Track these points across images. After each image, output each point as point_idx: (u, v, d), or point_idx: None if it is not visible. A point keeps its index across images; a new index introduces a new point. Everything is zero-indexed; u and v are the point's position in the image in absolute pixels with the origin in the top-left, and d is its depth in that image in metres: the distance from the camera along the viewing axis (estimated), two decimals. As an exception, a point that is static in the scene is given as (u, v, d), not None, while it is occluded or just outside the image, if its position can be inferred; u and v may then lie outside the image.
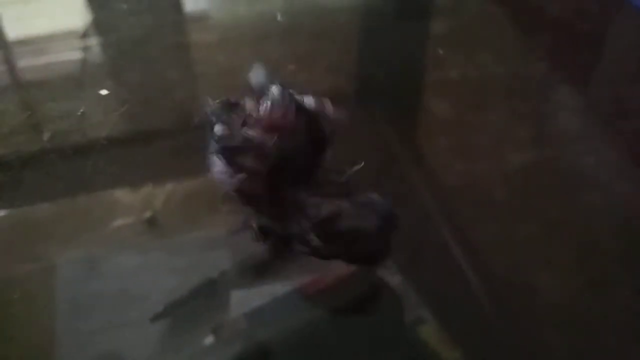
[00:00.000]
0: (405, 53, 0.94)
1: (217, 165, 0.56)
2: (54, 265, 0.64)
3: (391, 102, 0.85)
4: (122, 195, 0.71)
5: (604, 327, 0.59)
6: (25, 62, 0.93)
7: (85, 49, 0.93)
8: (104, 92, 0.82)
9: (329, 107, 0.59)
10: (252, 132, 0.55)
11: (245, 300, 0.59)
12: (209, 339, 0.58)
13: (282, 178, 0.55)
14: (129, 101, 0.82)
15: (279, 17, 0.95)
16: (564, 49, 0.94)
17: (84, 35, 0.95)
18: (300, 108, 0.57)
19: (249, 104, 0.58)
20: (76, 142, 0.76)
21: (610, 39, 1.00)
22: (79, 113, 0.78)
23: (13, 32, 0.96)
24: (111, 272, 0.63)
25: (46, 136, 0.76)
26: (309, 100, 0.58)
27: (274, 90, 0.56)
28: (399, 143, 0.80)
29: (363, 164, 0.59)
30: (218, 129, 0.57)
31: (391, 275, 0.62)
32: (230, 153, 0.56)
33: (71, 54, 0.92)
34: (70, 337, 0.58)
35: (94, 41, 0.94)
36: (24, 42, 0.95)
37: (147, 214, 0.68)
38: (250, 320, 0.58)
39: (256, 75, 0.62)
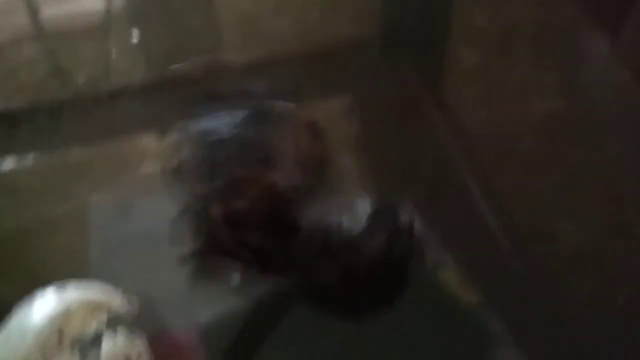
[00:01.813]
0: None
1: None
2: (87, 207, 0.66)
3: (417, 49, 0.84)
4: (152, 142, 0.73)
5: (626, 273, 0.60)
6: (50, 11, 0.93)
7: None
8: (133, 37, 0.82)
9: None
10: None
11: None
12: (235, 280, 0.60)
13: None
14: (155, 49, 0.82)
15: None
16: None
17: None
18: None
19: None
20: (108, 88, 0.77)
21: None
22: (112, 57, 0.79)
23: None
24: (141, 215, 0.65)
25: (81, 80, 0.77)
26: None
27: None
28: (425, 90, 0.79)
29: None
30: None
31: (414, 220, 0.62)
32: None
33: (94, 2, 0.92)
34: (102, 276, 0.60)
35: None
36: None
37: (175, 161, 0.70)
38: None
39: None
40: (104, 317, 0.47)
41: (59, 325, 0.44)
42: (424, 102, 0.78)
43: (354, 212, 0.56)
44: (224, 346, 0.56)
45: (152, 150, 0.71)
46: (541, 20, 0.88)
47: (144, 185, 0.68)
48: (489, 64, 0.82)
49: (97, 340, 0.45)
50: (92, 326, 0.45)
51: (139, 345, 0.47)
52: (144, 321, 0.51)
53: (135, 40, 0.84)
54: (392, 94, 0.77)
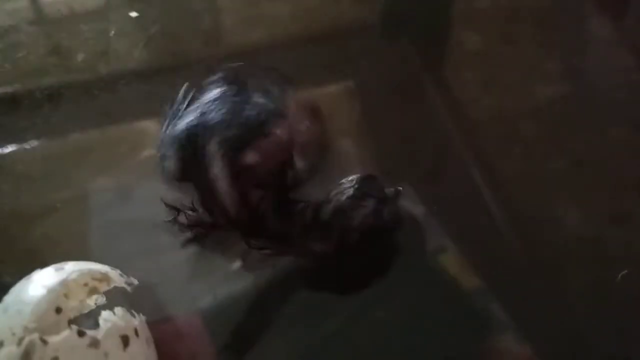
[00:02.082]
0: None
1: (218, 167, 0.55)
2: (87, 192, 0.66)
3: (418, 33, 0.84)
4: (150, 126, 0.72)
5: (627, 261, 0.60)
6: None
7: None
8: (133, 14, 0.82)
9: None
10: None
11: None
12: (236, 264, 0.60)
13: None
14: (154, 32, 0.82)
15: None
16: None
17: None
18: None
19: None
20: (108, 72, 0.77)
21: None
22: (112, 41, 0.78)
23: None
24: (142, 199, 0.65)
25: (80, 64, 0.77)
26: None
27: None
28: (426, 74, 0.79)
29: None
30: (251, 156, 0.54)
31: (415, 206, 0.62)
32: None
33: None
34: (103, 261, 0.60)
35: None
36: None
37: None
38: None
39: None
40: (102, 295, 0.47)
41: (56, 302, 0.44)
42: (425, 86, 0.77)
43: (341, 184, 0.57)
44: (227, 331, 0.56)
45: (153, 134, 0.71)
46: (544, 4, 0.87)
47: (145, 169, 0.68)
48: (492, 47, 0.82)
49: (94, 318, 0.45)
50: (90, 304, 0.46)
51: (137, 324, 0.48)
52: (144, 303, 0.52)
53: (134, 24, 0.83)
54: (393, 77, 0.77)
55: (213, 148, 0.52)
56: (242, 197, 0.53)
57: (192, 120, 0.55)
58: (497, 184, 0.67)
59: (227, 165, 0.52)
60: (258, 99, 0.55)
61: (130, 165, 0.68)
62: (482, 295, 0.58)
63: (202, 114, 0.55)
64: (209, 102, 0.55)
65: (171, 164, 0.56)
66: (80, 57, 0.78)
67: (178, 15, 0.85)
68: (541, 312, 0.57)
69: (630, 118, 0.73)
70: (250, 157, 0.53)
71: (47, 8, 0.87)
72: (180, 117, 0.57)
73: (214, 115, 0.54)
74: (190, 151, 0.54)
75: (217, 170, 0.52)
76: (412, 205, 0.62)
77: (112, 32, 0.80)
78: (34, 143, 0.70)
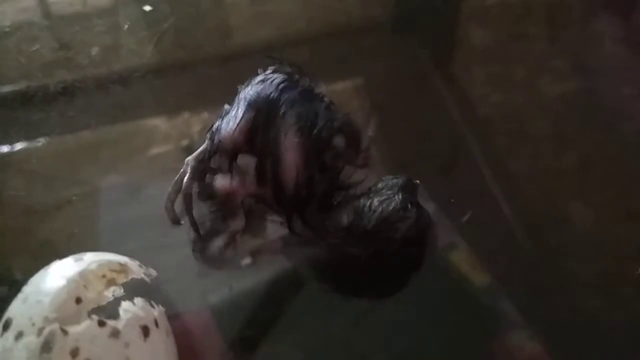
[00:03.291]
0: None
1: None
2: (98, 189, 0.66)
3: (427, 29, 0.84)
4: (161, 123, 0.73)
5: (636, 259, 0.59)
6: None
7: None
8: (147, 8, 0.82)
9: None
10: None
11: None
12: (246, 261, 0.60)
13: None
14: (168, 25, 0.82)
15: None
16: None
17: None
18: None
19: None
20: (118, 69, 0.77)
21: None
22: (124, 28, 0.78)
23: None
24: (151, 197, 0.65)
25: (91, 62, 0.77)
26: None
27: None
28: (435, 72, 0.79)
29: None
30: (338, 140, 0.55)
31: (425, 203, 0.62)
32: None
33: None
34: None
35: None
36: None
37: (185, 142, 0.70)
38: (286, 243, 0.60)
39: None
40: (120, 287, 0.47)
41: (76, 292, 0.44)
42: (435, 83, 0.77)
43: (380, 189, 0.56)
44: (236, 327, 0.56)
45: (163, 131, 0.71)
46: (553, 1, 0.87)
47: (155, 166, 0.68)
48: (501, 44, 0.82)
49: (115, 308, 0.45)
50: (108, 295, 0.45)
51: (157, 315, 0.47)
52: (159, 294, 0.51)
53: (148, 17, 0.83)
54: (403, 74, 0.77)
55: (291, 119, 0.52)
56: (308, 175, 0.52)
57: (271, 91, 0.54)
58: (507, 181, 0.67)
59: (303, 139, 0.52)
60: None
61: (140, 163, 0.69)
62: (492, 293, 0.58)
63: (282, 89, 0.53)
64: (280, 83, 0.54)
65: (239, 122, 0.54)
66: (94, 51, 0.79)
67: (192, 10, 0.85)
68: (553, 310, 0.57)
69: (638, 115, 0.73)
70: (338, 141, 0.53)
71: (60, 2, 0.87)
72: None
73: (291, 93, 0.53)
74: (264, 114, 0.53)
75: (291, 141, 0.51)
76: (422, 201, 0.62)
77: (126, 26, 0.81)
78: (47, 138, 0.70)
